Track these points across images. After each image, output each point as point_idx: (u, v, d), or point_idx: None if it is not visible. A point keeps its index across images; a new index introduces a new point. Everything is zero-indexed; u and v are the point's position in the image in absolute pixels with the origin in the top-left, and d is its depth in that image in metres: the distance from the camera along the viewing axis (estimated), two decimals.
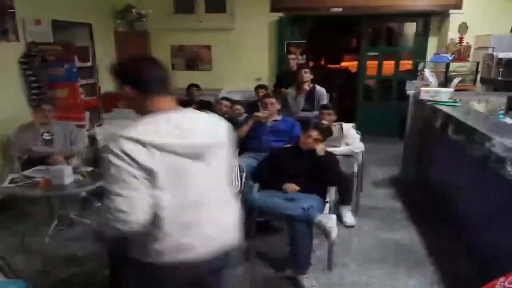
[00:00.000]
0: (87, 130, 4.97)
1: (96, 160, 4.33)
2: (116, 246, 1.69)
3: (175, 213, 1.45)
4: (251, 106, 4.75)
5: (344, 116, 5.09)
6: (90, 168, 3.53)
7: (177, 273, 1.50)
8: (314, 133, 3.30)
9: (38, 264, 3.12)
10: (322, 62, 10.74)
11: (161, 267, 1.48)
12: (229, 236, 1.62)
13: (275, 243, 3.43)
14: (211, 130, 1.58)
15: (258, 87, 5.61)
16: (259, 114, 3.97)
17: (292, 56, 5.43)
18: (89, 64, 5.31)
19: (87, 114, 5.19)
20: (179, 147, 1.44)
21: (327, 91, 4.92)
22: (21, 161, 3.88)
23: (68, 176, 3.23)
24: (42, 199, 3.78)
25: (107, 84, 6.16)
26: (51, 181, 3.21)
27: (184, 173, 1.47)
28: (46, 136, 3.93)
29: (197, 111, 1.65)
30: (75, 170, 3.41)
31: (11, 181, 3.29)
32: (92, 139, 4.63)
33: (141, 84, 1.51)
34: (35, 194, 3.27)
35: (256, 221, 3.15)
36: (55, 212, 3.64)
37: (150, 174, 1.38)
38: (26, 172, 3.44)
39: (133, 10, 6.48)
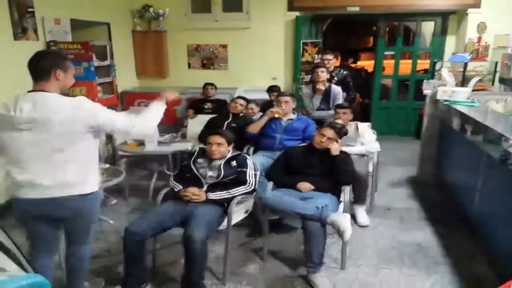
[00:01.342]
0: None
1: (114, 157, 4.40)
2: None
3: (11, 163, 2.12)
4: (266, 106, 4.76)
5: (362, 115, 5.03)
6: (107, 165, 3.57)
7: (18, 205, 2.19)
8: (329, 132, 3.29)
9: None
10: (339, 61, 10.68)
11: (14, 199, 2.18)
12: (53, 189, 2.12)
13: (288, 242, 3.43)
14: (43, 109, 2.05)
15: (270, 90, 5.56)
16: (274, 109, 3.97)
17: (329, 56, 5.20)
18: (107, 62, 5.37)
19: None
20: (12, 118, 2.05)
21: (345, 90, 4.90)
22: None
23: None
24: None
25: (124, 82, 6.25)
26: None
27: (15, 138, 2.08)
28: None
29: (48, 92, 2.11)
30: None
31: None
32: (110, 137, 4.68)
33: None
34: None
35: (269, 219, 3.16)
36: None
37: None
38: None
39: (151, 10, 6.56)
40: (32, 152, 2.09)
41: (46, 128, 2.05)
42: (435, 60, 6.43)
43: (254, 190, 3.03)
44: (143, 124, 2.30)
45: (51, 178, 2.11)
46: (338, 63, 8.05)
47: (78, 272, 2.50)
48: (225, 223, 2.83)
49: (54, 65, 2.16)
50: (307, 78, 6.19)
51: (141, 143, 4.13)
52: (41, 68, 2.13)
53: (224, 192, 2.86)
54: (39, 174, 2.10)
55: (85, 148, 2.18)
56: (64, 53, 2.59)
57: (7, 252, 1.76)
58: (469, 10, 6.00)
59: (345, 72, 5.22)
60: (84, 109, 2.12)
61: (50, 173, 2.11)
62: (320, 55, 6.58)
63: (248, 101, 4.67)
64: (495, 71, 5.60)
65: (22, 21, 4.32)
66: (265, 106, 4.80)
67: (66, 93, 2.30)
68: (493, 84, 5.61)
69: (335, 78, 5.02)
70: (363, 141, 4.02)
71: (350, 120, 4.12)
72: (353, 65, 10.39)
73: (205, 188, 2.91)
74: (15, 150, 2.10)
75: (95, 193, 2.27)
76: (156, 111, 2.38)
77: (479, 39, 5.96)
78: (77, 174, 2.17)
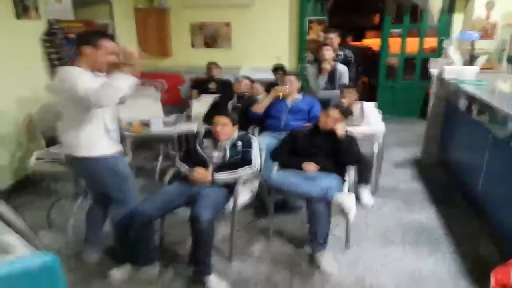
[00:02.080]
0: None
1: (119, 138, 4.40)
2: None
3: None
4: (271, 86, 4.73)
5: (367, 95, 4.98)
6: None
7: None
8: (334, 113, 3.27)
9: (62, 240, 3.22)
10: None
11: None
12: (71, 149, 2.49)
13: (293, 222, 3.46)
14: (58, 80, 2.36)
15: (275, 70, 5.51)
16: (278, 88, 3.95)
17: (331, 35, 5.09)
18: None
19: None
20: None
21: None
22: (46, 140, 3.94)
23: None
24: (68, 176, 3.83)
25: None
26: None
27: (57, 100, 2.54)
28: None
29: (69, 67, 2.39)
30: None
31: (37, 158, 3.35)
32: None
33: None
34: (62, 171, 3.30)
35: (274, 199, 3.18)
36: (80, 188, 3.71)
37: None
38: (51, 149, 3.48)
39: None
40: (60, 112, 2.51)
41: (56, 96, 2.51)
42: (442, 38, 6.33)
43: (259, 170, 3.04)
44: (97, 97, 2.22)
45: (63, 137, 2.53)
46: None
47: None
48: (231, 203, 2.85)
49: (81, 41, 2.42)
50: (311, 56, 6.14)
51: (146, 124, 4.13)
52: (76, 45, 2.45)
53: (230, 172, 2.87)
54: (60, 132, 2.55)
55: (81, 115, 2.41)
56: (102, 32, 2.81)
57: (20, 232, 1.78)
58: None
59: (347, 51, 5.15)
60: (65, 80, 2.32)
61: (63, 133, 2.51)
62: (323, 33, 6.47)
63: (252, 81, 4.64)
64: (503, 50, 5.52)
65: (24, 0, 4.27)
66: (269, 86, 4.76)
67: (99, 70, 2.48)
68: (501, 63, 5.54)
69: (339, 57, 4.95)
70: (368, 121, 4.00)
71: (356, 100, 4.09)
72: (357, 43, 10.24)
73: (211, 168, 2.92)
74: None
75: (94, 158, 2.49)
76: (112, 83, 2.26)
77: (487, 16, 5.86)
78: (75, 137, 2.45)
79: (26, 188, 4.12)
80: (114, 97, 2.28)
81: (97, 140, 2.49)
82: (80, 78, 2.29)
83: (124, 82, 2.29)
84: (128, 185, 2.69)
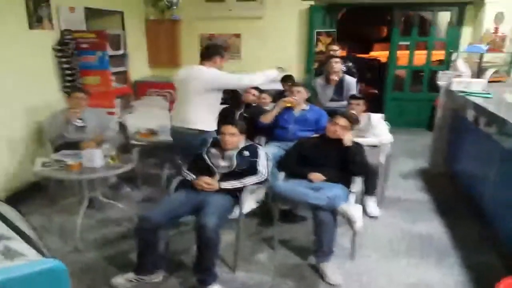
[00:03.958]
0: (118, 117, 5.07)
1: (127, 146, 4.45)
2: None
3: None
4: (278, 96, 4.75)
5: (373, 107, 4.99)
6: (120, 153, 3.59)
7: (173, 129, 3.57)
8: (341, 121, 3.27)
9: (68, 246, 3.25)
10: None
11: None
12: (189, 123, 3.37)
13: (298, 231, 3.46)
14: (190, 73, 3.39)
15: (284, 80, 5.53)
16: (286, 99, 3.97)
17: (334, 47, 5.20)
18: (120, 52, 5.40)
19: (118, 102, 5.31)
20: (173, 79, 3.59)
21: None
22: (54, 147, 3.96)
23: (99, 159, 3.24)
24: (73, 182, 3.85)
25: (137, 72, 6.29)
26: (82, 164, 3.26)
27: (177, 89, 3.55)
28: (79, 123, 3.97)
29: (198, 66, 3.43)
30: (105, 155, 3.36)
31: (42, 165, 3.34)
32: (123, 126, 4.72)
33: None
34: (68, 177, 3.29)
35: (280, 209, 3.19)
36: (85, 195, 3.73)
37: None
38: (56, 155, 3.44)
39: None
40: (181, 97, 3.47)
41: (194, 83, 3.32)
42: (451, 51, 6.33)
43: (266, 180, 3.05)
44: (250, 80, 3.68)
45: (186, 114, 3.36)
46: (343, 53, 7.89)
47: None
48: (236, 212, 2.86)
49: (217, 52, 3.46)
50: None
51: (153, 132, 4.16)
52: (209, 53, 3.44)
53: (237, 181, 2.89)
54: (181, 111, 3.41)
55: (208, 99, 3.37)
56: (225, 47, 3.81)
57: (26, 238, 1.80)
58: (487, 0, 5.89)
59: (350, 64, 5.17)
60: (211, 75, 3.34)
61: (187, 111, 3.36)
62: (331, 45, 6.52)
63: (261, 91, 4.66)
64: None
65: (37, 10, 4.35)
66: (277, 96, 4.79)
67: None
68: (509, 75, 5.52)
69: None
70: (376, 132, 4.00)
71: (363, 111, 4.10)
72: (364, 55, 10.27)
73: (217, 177, 2.94)
74: (178, 95, 3.56)
75: (205, 132, 3.35)
76: (264, 74, 3.66)
77: (496, 29, 5.86)
78: (198, 115, 3.34)
79: (34, 193, 4.16)
80: (261, 80, 3.70)
81: (212, 118, 3.46)
82: (226, 75, 3.45)
83: (269, 74, 3.72)
84: None
